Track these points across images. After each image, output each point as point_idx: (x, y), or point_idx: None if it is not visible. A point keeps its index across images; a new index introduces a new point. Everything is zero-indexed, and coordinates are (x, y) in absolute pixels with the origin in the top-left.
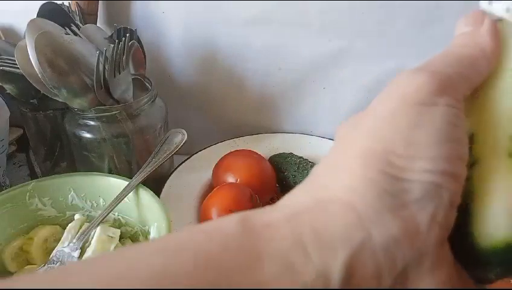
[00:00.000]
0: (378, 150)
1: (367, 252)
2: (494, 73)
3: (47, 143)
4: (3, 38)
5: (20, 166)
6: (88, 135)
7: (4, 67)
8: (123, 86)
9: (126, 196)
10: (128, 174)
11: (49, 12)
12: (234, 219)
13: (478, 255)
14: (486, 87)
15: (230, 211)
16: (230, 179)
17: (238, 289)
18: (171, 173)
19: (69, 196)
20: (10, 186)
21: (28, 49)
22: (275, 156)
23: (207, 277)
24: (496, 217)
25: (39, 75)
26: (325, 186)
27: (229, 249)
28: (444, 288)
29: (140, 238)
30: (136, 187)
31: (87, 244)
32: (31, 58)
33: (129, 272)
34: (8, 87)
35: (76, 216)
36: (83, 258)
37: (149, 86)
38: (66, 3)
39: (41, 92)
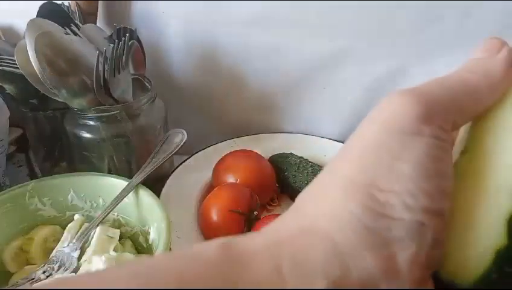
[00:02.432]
0: (361, 182)
1: (344, 287)
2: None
3: (47, 143)
4: (3, 38)
5: (20, 166)
6: (88, 135)
7: (4, 67)
8: (123, 86)
9: (126, 196)
10: (128, 174)
11: (49, 12)
12: (215, 244)
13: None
14: (490, 115)
15: (230, 211)
16: (230, 179)
17: None
18: (171, 173)
19: (69, 196)
20: (10, 186)
21: (28, 49)
22: (274, 156)
23: None
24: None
25: (39, 75)
26: (308, 214)
27: (206, 275)
28: None
29: (140, 238)
30: (136, 187)
31: (87, 244)
32: (31, 58)
33: None
34: (8, 87)
35: (76, 216)
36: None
37: (149, 86)
38: (66, 3)
39: (41, 92)
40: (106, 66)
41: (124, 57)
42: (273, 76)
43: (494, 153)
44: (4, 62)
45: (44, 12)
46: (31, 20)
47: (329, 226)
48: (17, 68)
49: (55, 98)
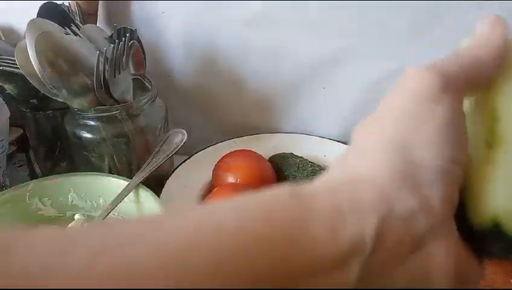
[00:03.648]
0: (397, 140)
1: (391, 222)
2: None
3: (47, 143)
4: (3, 38)
5: (20, 166)
6: (88, 135)
7: (4, 67)
8: (123, 86)
9: (126, 196)
10: (128, 174)
11: (49, 12)
12: (285, 188)
13: (474, 232)
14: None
15: None
16: (230, 179)
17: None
18: (171, 173)
19: (69, 196)
20: (10, 187)
21: (28, 49)
22: (274, 156)
23: (273, 231)
24: (489, 196)
25: (39, 75)
26: (355, 167)
27: (283, 209)
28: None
29: None
30: (136, 187)
31: None
32: (31, 58)
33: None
34: (8, 87)
35: (77, 216)
36: None
37: (149, 86)
38: (66, 3)
39: (41, 92)
40: (106, 66)
41: (124, 57)
42: (273, 76)
43: None
44: (4, 62)
45: (45, 12)
46: (31, 20)
47: (374, 175)
48: (17, 68)
49: (55, 98)
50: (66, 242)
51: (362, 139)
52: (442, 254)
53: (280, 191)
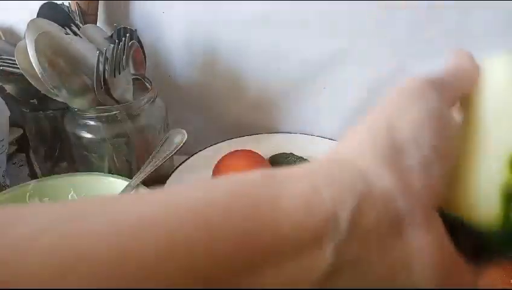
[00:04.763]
0: (380, 126)
1: (369, 202)
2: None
3: (47, 143)
4: (3, 38)
5: (20, 166)
6: (88, 135)
7: (4, 67)
8: (123, 86)
9: None
10: (128, 174)
11: (49, 12)
12: (256, 171)
13: (477, 239)
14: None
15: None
16: None
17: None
18: (171, 173)
19: (69, 196)
20: (10, 187)
21: (28, 49)
22: (275, 156)
23: (239, 206)
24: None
25: (39, 75)
26: (336, 151)
27: (253, 186)
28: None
29: None
30: (136, 187)
31: None
32: (31, 58)
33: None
34: (8, 87)
35: None
36: None
37: (149, 86)
38: (66, 3)
39: (41, 92)
40: (106, 66)
41: (124, 57)
42: (273, 76)
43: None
44: (4, 62)
45: (45, 12)
46: (31, 20)
47: (353, 155)
48: (17, 68)
49: (55, 98)
50: (14, 216)
51: (351, 130)
52: (424, 242)
53: (248, 174)
